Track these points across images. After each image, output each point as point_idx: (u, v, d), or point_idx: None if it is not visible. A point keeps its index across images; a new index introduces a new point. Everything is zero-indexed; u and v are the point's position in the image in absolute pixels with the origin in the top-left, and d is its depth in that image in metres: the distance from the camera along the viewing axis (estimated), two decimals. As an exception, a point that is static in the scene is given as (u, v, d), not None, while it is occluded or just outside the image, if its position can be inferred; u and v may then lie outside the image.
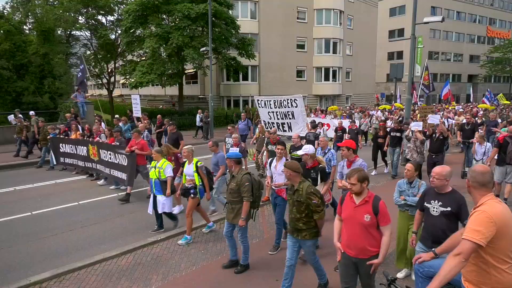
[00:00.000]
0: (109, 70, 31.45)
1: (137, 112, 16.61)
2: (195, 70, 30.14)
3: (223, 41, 25.05)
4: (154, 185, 6.88)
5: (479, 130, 12.84)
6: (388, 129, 12.44)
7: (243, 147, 9.64)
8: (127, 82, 28.96)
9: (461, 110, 23.03)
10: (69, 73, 26.09)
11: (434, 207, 4.15)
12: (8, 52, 20.61)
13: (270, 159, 6.68)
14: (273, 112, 11.75)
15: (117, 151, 9.65)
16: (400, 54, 49.57)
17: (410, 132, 11.01)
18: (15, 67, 21.44)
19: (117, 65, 31.35)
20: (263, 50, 32.95)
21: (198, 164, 6.66)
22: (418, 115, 14.62)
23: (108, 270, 5.72)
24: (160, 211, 6.95)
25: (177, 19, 24.35)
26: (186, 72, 28.77)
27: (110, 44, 28.73)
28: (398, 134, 11.68)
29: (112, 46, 29.17)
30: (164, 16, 26.08)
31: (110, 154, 10.01)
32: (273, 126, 11.60)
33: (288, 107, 11.16)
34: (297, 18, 34.85)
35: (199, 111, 21.78)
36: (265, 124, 12.29)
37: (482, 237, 2.53)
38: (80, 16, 28.50)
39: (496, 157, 8.79)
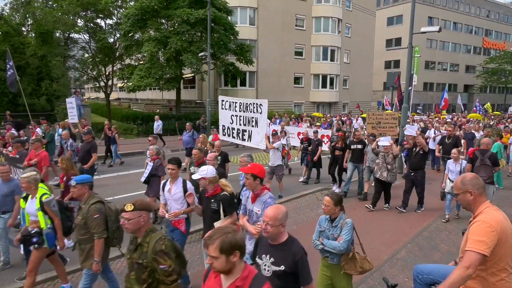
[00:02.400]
0: (107, 73, 31.44)
1: (73, 117, 14.69)
2: (193, 75, 30.18)
3: (222, 46, 25.14)
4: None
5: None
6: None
7: (159, 163, 7.52)
8: (124, 86, 28.93)
9: (449, 120, 21.86)
10: (66, 76, 26.07)
11: (265, 265, 3.02)
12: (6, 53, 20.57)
13: (163, 181, 5.33)
14: (236, 116, 10.35)
15: (15, 164, 7.78)
16: (397, 63, 49.96)
17: (377, 146, 9.44)
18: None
19: (115, 68, 31.33)
20: (261, 56, 33.10)
21: (44, 198, 4.62)
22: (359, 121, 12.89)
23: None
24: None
25: (176, 24, 24.44)
26: (184, 76, 28.80)
27: (108, 47, 28.75)
28: (359, 147, 9.97)
29: (110, 50, 29.18)
30: (163, 21, 26.16)
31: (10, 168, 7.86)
32: (232, 133, 10.53)
33: (254, 112, 9.77)
34: (296, 25, 35.07)
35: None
36: (223, 130, 10.95)
37: (487, 247, 2.55)
38: (79, 19, 28.48)
39: None
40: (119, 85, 39.41)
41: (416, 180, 8.68)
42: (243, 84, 33.20)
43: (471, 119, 24.17)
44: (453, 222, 8.13)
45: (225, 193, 4.44)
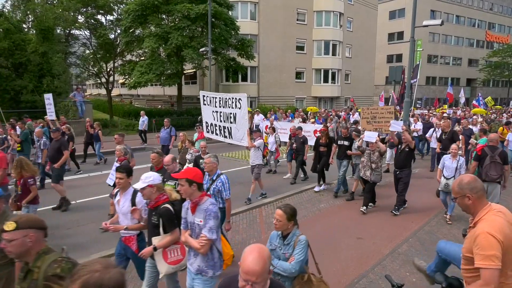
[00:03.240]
0: (108, 70, 31.42)
1: (51, 114, 14.02)
2: (194, 70, 30.14)
3: (223, 41, 25.05)
4: None
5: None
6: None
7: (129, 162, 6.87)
8: (126, 82, 28.93)
9: (446, 115, 21.13)
10: (67, 72, 26.05)
11: None
12: (7, 50, 20.62)
13: (116, 190, 4.66)
14: (216, 112, 9.87)
15: None
16: (399, 57, 49.68)
17: (364, 143, 8.98)
18: (14, 65, 21.45)
19: (116, 64, 31.30)
20: (263, 51, 32.97)
21: None
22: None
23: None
24: None
25: (177, 19, 24.36)
26: (185, 72, 28.76)
27: (109, 43, 28.71)
28: (346, 143, 9.53)
29: (111, 46, 29.14)
30: (164, 16, 26.07)
31: None
32: (215, 129, 10.12)
33: (232, 107, 9.27)
34: (297, 19, 34.88)
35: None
36: (207, 127, 10.57)
37: (499, 261, 2.50)
38: (80, 15, 28.46)
39: None
40: (121, 81, 39.36)
41: (401, 179, 8.14)
42: (244, 79, 33.12)
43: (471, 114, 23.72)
44: (454, 217, 8.11)
45: (166, 205, 3.84)
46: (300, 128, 11.69)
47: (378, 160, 8.25)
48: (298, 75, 36.20)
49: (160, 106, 36.61)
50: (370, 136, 8.41)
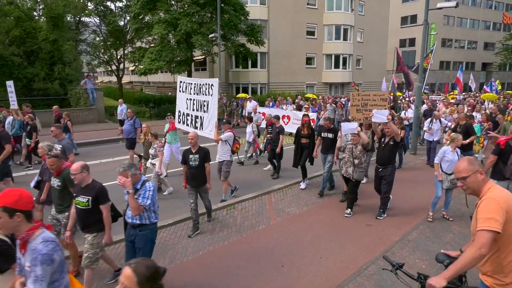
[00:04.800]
0: (118, 57, 31.50)
1: (13, 103, 12.96)
2: (203, 57, 29.99)
3: (232, 27, 24.80)
4: None
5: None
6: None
7: (46, 166, 5.46)
8: (136, 69, 29.01)
9: (452, 101, 19.88)
10: (78, 60, 26.17)
11: None
12: (19, 38, 20.75)
13: None
14: (190, 99, 8.92)
15: None
16: (412, 41, 48.60)
17: (346, 137, 7.90)
18: (25, 53, 21.61)
19: (126, 51, 31.34)
20: (273, 36, 32.58)
21: None
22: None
23: (117, 253, 5.82)
24: None
25: (186, 5, 24.15)
26: (194, 59, 28.65)
27: (119, 30, 28.72)
28: (330, 136, 8.50)
29: (121, 33, 29.15)
30: (173, 2, 25.87)
31: None
32: (187, 119, 9.12)
33: (205, 94, 8.36)
34: (307, 4, 34.26)
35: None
36: (179, 117, 9.54)
37: (497, 224, 2.48)
38: (89, 2, 28.45)
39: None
40: (131, 68, 39.48)
41: (384, 177, 7.12)
42: (254, 65, 32.89)
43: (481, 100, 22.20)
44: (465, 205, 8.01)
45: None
46: (276, 117, 10.65)
47: (361, 155, 7.14)
48: (309, 60, 35.76)
49: (170, 93, 36.66)
50: (349, 127, 7.25)
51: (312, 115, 11.62)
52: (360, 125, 7.54)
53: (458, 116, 10.37)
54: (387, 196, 7.26)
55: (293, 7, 33.04)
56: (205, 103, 8.35)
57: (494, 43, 55.96)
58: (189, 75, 28.40)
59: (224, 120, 8.74)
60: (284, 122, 13.00)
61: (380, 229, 6.76)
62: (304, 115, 9.69)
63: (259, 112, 13.83)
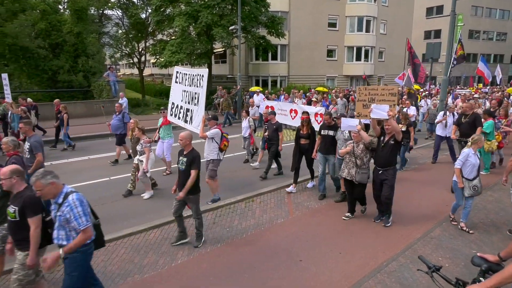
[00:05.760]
0: (140, 50, 31.86)
1: (7, 96, 12.82)
2: (223, 49, 29.99)
3: (252, 19, 24.65)
4: None
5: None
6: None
7: (12, 161, 5.07)
8: (157, 61, 29.32)
9: (476, 95, 18.80)
10: (101, 52, 26.62)
11: None
12: (44, 31, 21.22)
13: None
14: (185, 91, 8.42)
15: None
16: (437, 33, 47.14)
17: (343, 134, 7.42)
18: (50, 46, 22.10)
19: (147, 44, 31.67)
20: (293, 28, 32.22)
21: None
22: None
23: (137, 244, 5.90)
24: None
25: (207, -3, 24.14)
26: (214, 51, 28.68)
27: (141, 23, 28.98)
28: (331, 133, 7.72)
29: (142, 25, 29.42)
30: (194, -6, 25.92)
31: None
32: (179, 112, 8.58)
33: (197, 86, 7.84)
34: (329, -5, 33.72)
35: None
36: (171, 109, 9.00)
37: None
38: (112, -5, 28.80)
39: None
40: (152, 61, 39.89)
41: (385, 181, 6.35)
42: (274, 58, 32.68)
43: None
44: (493, 202, 7.74)
45: None
46: (273, 113, 9.90)
47: (363, 155, 6.57)
48: (330, 53, 35.23)
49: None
50: (349, 124, 6.74)
51: (321, 110, 10.58)
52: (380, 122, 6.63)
53: (465, 105, 9.35)
54: (390, 201, 6.46)
55: (314, -2, 32.53)
56: (197, 96, 7.85)
57: (525, 34, 53.66)
58: (209, 68, 28.42)
59: (210, 116, 7.89)
60: (291, 116, 12.02)
61: (402, 225, 6.61)
62: (303, 112, 8.75)
63: (268, 106, 12.62)
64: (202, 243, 5.85)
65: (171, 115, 8.99)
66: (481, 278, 2.66)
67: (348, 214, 6.95)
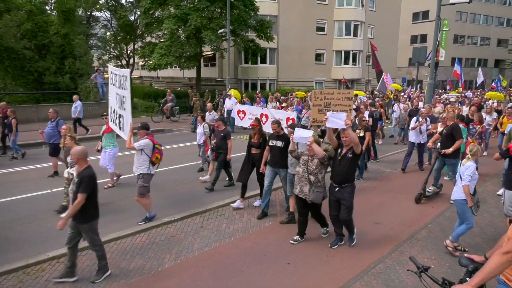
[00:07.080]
0: (129, 52, 31.61)
1: None
2: (213, 52, 29.97)
3: (242, 23, 24.72)
4: None
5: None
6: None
7: None
8: (146, 64, 29.14)
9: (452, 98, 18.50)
10: (89, 54, 26.32)
11: None
12: (30, 32, 20.88)
13: None
14: (118, 94, 7.37)
15: None
16: (424, 38, 47.94)
17: (295, 145, 6.09)
18: (37, 47, 21.76)
19: (136, 46, 31.44)
20: (282, 32, 32.41)
21: None
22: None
23: (123, 248, 5.84)
24: None
25: (196, 0, 24.12)
26: (204, 54, 28.64)
27: (129, 25, 28.75)
28: (279, 144, 6.70)
29: (131, 28, 29.19)
30: (183, -3, 25.87)
31: None
32: (114, 119, 7.70)
33: (123, 88, 6.88)
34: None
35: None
36: (110, 114, 8.15)
37: None
38: (100, -3, 28.52)
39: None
40: (141, 63, 39.66)
41: (342, 200, 5.59)
42: (263, 61, 32.79)
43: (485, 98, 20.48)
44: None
45: None
46: (221, 119, 8.93)
47: (318, 171, 5.62)
48: (318, 56, 35.54)
49: (179, 88, 36.73)
50: (302, 135, 5.72)
51: (293, 114, 9.57)
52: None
53: (446, 115, 8.54)
54: (349, 221, 5.76)
55: (303, 3, 32.82)
56: (124, 99, 6.86)
57: (508, 39, 54.92)
58: (198, 71, 28.40)
59: (140, 125, 6.83)
60: (262, 121, 9.99)
61: (389, 227, 6.68)
62: (255, 119, 7.95)
63: (239, 111, 11.45)
64: (103, 279, 4.93)
65: (111, 121, 8.10)
66: (467, 278, 2.73)
67: (297, 237, 6.04)
